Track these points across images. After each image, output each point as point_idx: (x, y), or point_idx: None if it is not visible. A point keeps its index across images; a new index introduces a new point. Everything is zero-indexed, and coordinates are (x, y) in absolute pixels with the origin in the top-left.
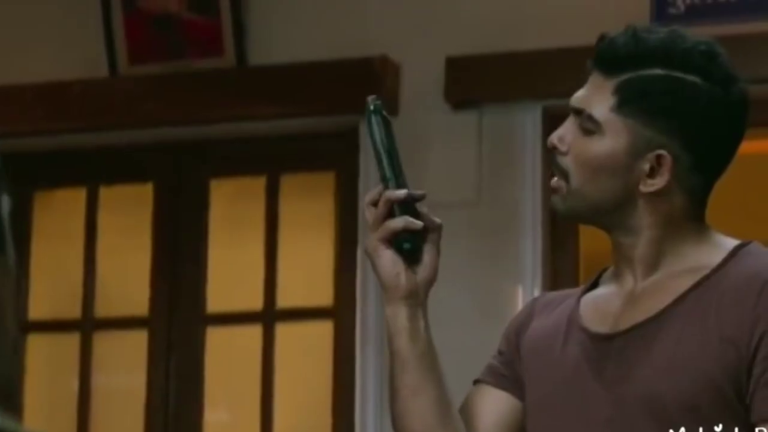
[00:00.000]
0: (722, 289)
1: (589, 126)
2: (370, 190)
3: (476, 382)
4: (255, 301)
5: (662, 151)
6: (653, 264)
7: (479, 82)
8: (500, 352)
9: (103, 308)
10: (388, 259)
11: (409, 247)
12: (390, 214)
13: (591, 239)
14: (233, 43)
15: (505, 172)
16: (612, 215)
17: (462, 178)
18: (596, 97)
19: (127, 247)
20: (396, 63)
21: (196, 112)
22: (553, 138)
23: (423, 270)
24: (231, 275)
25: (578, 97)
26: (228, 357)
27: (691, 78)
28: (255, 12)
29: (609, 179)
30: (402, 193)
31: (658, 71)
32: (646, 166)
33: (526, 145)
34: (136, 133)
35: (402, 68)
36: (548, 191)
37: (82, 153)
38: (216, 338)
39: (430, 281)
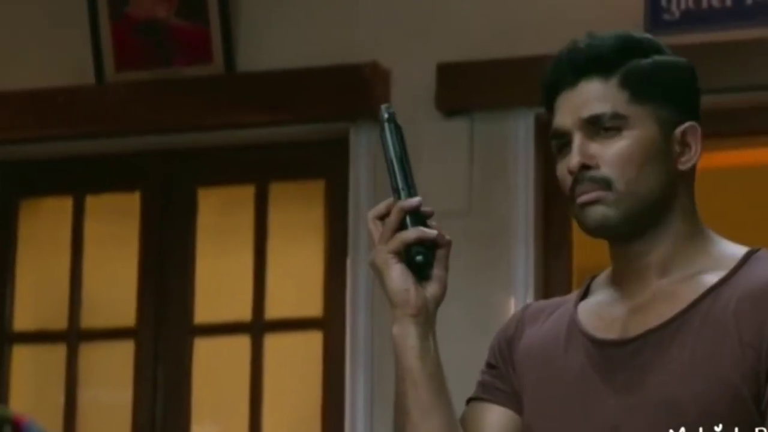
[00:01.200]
0: (738, 295)
1: (617, 124)
2: (359, 198)
3: (470, 400)
4: (243, 312)
5: (685, 125)
6: (663, 269)
7: (471, 89)
8: (491, 366)
9: (89, 319)
10: (398, 274)
11: (422, 259)
12: (401, 227)
13: (584, 249)
14: (222, 49)
15: (497, 180)
16: (660, 205)
17: (453, 186)
18: (605, 97)
19: (114, 257)
20: (386, 69)
21: (184, 119)
22: (579, 159)
23: (432, 286)
24: (219, 285)
25: (584, 106)
26: (216, 368)
27: (666, 57)
28: (244, 18)
29: (654, 168)
30: (416, 200)
31: (644, 59)
32: (676, 146)
33: (519, 154)
34: (123, 140)
35: (392, 75)
36: (540, 200)
37: (68, 161)
38: (204, 349)
39: (440, 298)
